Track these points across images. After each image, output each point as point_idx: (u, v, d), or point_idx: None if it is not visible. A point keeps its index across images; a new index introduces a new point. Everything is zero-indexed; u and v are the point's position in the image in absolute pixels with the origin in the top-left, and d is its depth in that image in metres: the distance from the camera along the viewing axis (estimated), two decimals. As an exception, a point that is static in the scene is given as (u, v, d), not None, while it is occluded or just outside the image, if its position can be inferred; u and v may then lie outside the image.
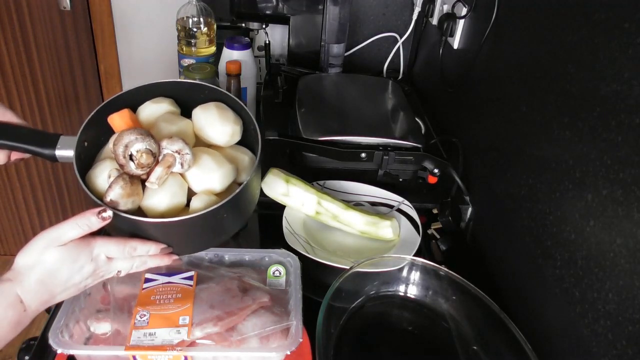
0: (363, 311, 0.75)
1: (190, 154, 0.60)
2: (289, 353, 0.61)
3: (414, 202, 0.94)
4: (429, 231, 0.93)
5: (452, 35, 1.07)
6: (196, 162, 0.62)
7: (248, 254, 0.76)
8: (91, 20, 1.58)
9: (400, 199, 0.94)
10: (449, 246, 0.90)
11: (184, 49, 1.11)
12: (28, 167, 1.88)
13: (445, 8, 1.13)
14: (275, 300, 0.68)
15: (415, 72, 1.40)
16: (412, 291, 0.78)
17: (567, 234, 0.64)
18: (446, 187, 0.98)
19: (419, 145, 0.99)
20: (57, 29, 1.61)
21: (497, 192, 0.85)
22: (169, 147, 0.59)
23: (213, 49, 1.13)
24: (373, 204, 0.95)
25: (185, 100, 0.68)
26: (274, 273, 0.73)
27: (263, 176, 0.88)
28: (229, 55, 1.14)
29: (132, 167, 0.57)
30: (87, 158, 0.63)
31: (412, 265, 0.78)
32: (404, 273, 0.78)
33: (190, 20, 1.08)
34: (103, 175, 0.60)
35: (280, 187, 0.87)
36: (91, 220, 0.55)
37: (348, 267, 0.72)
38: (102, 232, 0.58)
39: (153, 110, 0.66)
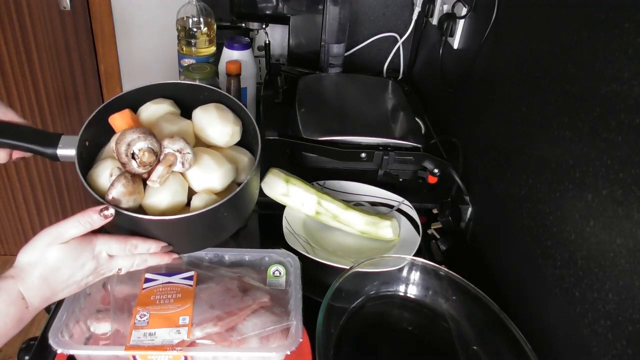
0: (363, 311, 0.75)
1: (191, 153, 0.60)
2: (289, 353, 0.61)
3: (414, 202, 0.94)
4: (429, 231, 0.93)
5: (452, 35, 1.07)
6: (197, 162, 0.62)
7: (248, 254, 0.76)
8: (91, 20, 1.58)
9: (400, 199, 0.94)
10: (449, 246, 0.90)
11: (184, 49, 1.11)
12: (28, 167, 1.88)
13: (445, 8, 1.13)
14: (275, 300, 0.68)
15: (415, 72, 1.40)
16: (412, 291, 0.78)
17: (567, 234, 0.64)
18: (446, 187, 0.98)
19: (419, 145, 0.99)
20: (57, 29, 1.61)
21: (497, 192, 0.85)
22: (170, 147, 0.60)
23: (213, 49, 1.13)
24: (373, 204, 0.96)
25: (185, 101, 0.69)
26: (274, 273, 0.73)
27: (263, 176, 0.88)
28: (229, 55, 1.14)
29: (134, 166, 0.58)
30: (88, 158, 0.64)
31: (412, 265, 0.78)
32: (404, 273, 0.78)
33: (190, 20, 1.08)
34: (105, 174, 0.60)
35: (280, 187, 0.87)
36: (93, 218, 0.55)
37: (348, 267, 0.72)
38: (101, 232, 0.58)
39: (153, 110, 0.67)
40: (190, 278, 0.69)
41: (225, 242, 0.77)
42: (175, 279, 0.69)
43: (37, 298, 0.54)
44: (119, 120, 0.62)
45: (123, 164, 0.58)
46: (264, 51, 1.30)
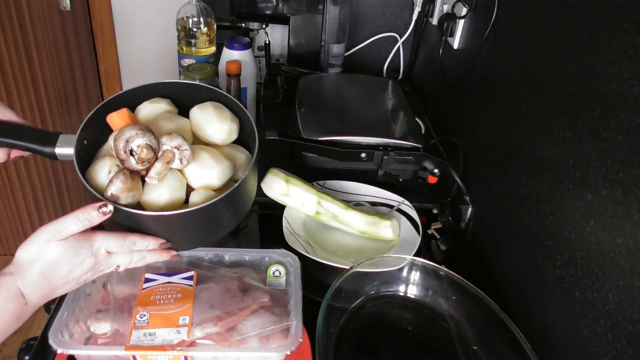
0: (363, 311, 0.75)
1: (189, 150, 0.61)
2: (289, 353, 0.61)
3: (414, 202, 0.94)
4: (429, 231, 0.93)
5: (452, 35, 1.07)
6: (195, 159, 0.63)
7: (248, 254, 0.76)
8: (91, 20, 1.58)
9: (400, 199, 0.94)
10: (449, 246, 0.90)
11: (184, 49, 1.11)
12: (28, 167, 1.88)
13: (445, 8, 1.13)
14: (275, 300, 0.68)
15: (415, 72, 1.40)
16: (412, 291, 0.78)
17: (567, 234, 0.64)
18: (446, 187, 0.98)
19: (419, 145, 0.99)
20: (57, 29, 1.61)
21: (497, 192, 0.85)
22: (168, 143, 0.60)
23: (213, 49, 1.13)
24: (373, 204, 0.95)
25: (183, 100, 0.69)
26: (274, 273, 0.73)
27: (263, 176, 0.88)
28: (229, 55, 1.14)
29: (132, 162, 0.58)
30: (86, 156, 0.64)
31: (412, 265, 0.78)
32: (404, 273, 0.78)
33: (190, 20, 1.08)
34: (103, 171, 0.60)
35: (280, 187, 0.87)
36: (92, 215, 0.55)
37: (348, 267, 0.72)
38: (100, 229, 0.58)
39: (151, 109, 0.67)
40: (190, 278, 0.69)
41: (225, 242, 0.77)
42: (175, 279, 0.69)
43: (36, 294, 0.54)
44: (116, 119, 0.62)
45: (121, 161, 0.58)
46: (264, 51, 1.30)
